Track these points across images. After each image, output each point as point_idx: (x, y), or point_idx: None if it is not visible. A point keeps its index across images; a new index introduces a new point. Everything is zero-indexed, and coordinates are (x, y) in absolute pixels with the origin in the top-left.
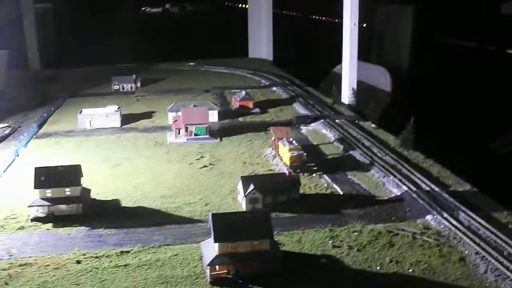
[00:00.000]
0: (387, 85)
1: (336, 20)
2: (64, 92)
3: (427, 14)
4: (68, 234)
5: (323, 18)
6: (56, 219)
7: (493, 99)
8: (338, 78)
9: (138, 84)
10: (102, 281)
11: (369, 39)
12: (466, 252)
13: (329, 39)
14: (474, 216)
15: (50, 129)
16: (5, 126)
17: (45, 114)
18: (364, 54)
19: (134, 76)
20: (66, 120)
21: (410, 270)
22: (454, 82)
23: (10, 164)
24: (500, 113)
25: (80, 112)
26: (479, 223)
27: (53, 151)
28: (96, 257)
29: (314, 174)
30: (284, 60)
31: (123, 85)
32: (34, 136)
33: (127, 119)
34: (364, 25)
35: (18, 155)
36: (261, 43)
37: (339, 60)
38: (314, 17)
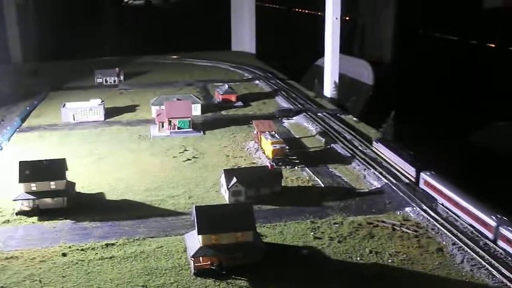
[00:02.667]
0: (369, 78)
1: (319, 13)
2: (47, 86)
3: (410, 7)
4: (54, 227)
5: (306, 11)
6: (41, 213)
7: (472, 91)
8: (320, 71)
9: (121, 77)
10: (88, 273)
11: (351, 32)
12: (444, 242)
13: (312, 32)
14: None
15: (33, 122)
16: None
17: (28, 108)
18: (346, 47)
19: (117, 69)
20: (49, 114)
21: (390, 261)
22: (435, 75)
23: None
24: (481, 105)
25: (64, 106)
26: (456, 214)
27: (37, 144)
28: (82, 250)
29: (296, 167)
30: (267, 53)
31: (106, 79)
32: (17, 130)
33: (110, 112)
34: (347, 18)
35: (1, 149)
36: (244, 36)
37: (322, 53)
38: (297, 9)
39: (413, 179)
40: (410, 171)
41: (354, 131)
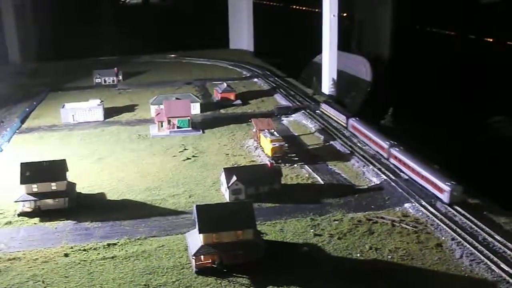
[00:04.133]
0: (368, 74)
1: (317, 10)
2: (45, 86)
3: (407, 3)
4: (55, 228)
5: (304, 8)
6: (42, 214)
7: (471, 86)
8: (318, 68)
9: (120, 77)
10: (91, 273)
11: (349, 29)
12: (443, 238)
13: (310, 28)
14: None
15: (33, 123)
16: None
17: (27, 109)
18: (344, 43)
19: (115, 69)
20: (49, 115)
21: (389, 257)
22: (433, 70)
23: None
24: (479, 101)
25: (63, 106)
26: (456, 210)
27: (37, 145)
28: (84, 250)
29: (295, 165)
30: (265, 51)
31: (105, 78)
32: (17, 131)
33: (109, 112)
34: (344, 14)
35: (1, 151)
36: (242, 34)
37: (320, 50)
38: (295, 6)
39: (344, 124)
40: (341, 118)
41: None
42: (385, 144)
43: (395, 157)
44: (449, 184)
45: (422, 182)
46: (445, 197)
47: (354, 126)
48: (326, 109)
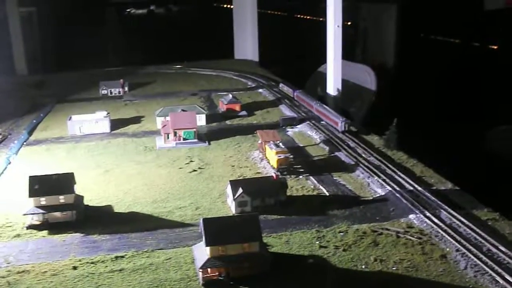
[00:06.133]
0: (372, 84)
1: (321, 19)
2: (52, 98)
3: (412, 12)
4: (64, 240)
5: (308, 17)
6: (51, 226)
7: (476, 96)
8: (323, 78)
9: (126, 89)
10: (99, 286)
11: (354, 38)
12: (448, 249)
13: (315, 38)
14: (455, 214)
15: (40, 136)
16: None
17: (34, 121)
18: (349, 53)
19: (121, 80)
20: (55, 127)
21: (394, 268)
22: (439, 80)
23: (2, 172)
24: (485, 111)
25: (70, 119)
26: (460, 221)
27: (44, 158)
28: (92, 263)
29: (300, 176)
30: (270, 61)
31: (110, 90)
32: (24, 143)
33: (116, 124)
34: (349, 23)
35: (9, 163)
36: (246, 44)
37: (325, 59)
38: (299, 16)
39: (292, 96)
40: (290, 91)
41: (358, 139)
42: (313, 104)
43: (316, 110)
44: (341, 118)
45: (324, 118)
46: (339, 127)
47: (298, 96)
48: (282, 87)
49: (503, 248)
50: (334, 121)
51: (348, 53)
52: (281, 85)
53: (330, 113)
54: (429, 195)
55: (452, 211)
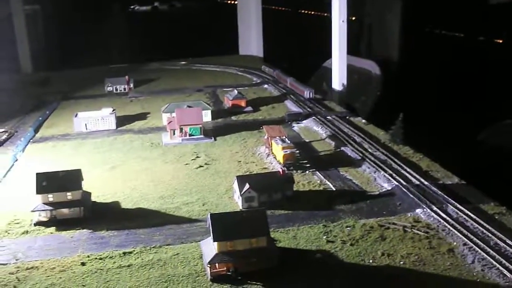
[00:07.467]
0: (377, 78)
1: (326, 14)
2: (58, 95)
3: (416, 6)
4: (72, 237)
5: (312, 13)
6: (58, 223)
7: (481, 89)
8: (328, 73)
9: (131, 85)
10: (107, 281)
11: (358, 32)
12: (455, 243)
13: (319, 33)
14: (462, 208)
15: (47, 133)
16: (2, 132)
17: (40, 118)
18: (354, 47)
19: (126, 77)
20: (61, 124)
21: (401, 262)
22: (444, 74)
23: (9, 170)
24: (491, 105)
25: (76, 116)
26: (467, 215)
27: (51, 155)
28: (100, 259)
29: (307, 171)
30: (275, 56)
31: (116, 87)
32: (31, 140)
33: (122, 120)
34: (353, 18)
35: (16, 160)
36: (251, 39)
37: (330, 54)
38: (304, 11)
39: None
40: (272, 72)
41: (364, 134)
42: (288, 79)
43: (290, 83)
44: (307, 88)
45: (295, 90)
46: (305, 95)
47: (277, 74)
48: (264, 68)
49: (510, 242)
50: (302, 91)
51: (353, 48)
52: (263, 66)
53: (299, 85)
54: (435, 189)
55: (459, 205)
